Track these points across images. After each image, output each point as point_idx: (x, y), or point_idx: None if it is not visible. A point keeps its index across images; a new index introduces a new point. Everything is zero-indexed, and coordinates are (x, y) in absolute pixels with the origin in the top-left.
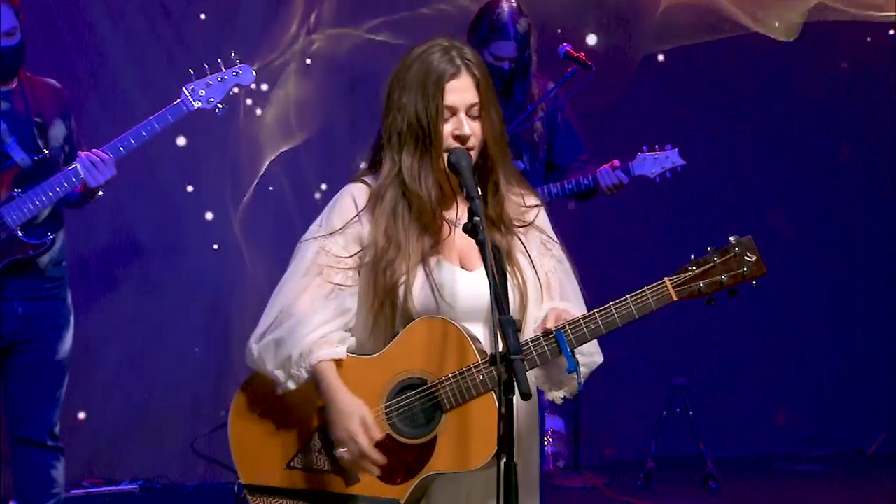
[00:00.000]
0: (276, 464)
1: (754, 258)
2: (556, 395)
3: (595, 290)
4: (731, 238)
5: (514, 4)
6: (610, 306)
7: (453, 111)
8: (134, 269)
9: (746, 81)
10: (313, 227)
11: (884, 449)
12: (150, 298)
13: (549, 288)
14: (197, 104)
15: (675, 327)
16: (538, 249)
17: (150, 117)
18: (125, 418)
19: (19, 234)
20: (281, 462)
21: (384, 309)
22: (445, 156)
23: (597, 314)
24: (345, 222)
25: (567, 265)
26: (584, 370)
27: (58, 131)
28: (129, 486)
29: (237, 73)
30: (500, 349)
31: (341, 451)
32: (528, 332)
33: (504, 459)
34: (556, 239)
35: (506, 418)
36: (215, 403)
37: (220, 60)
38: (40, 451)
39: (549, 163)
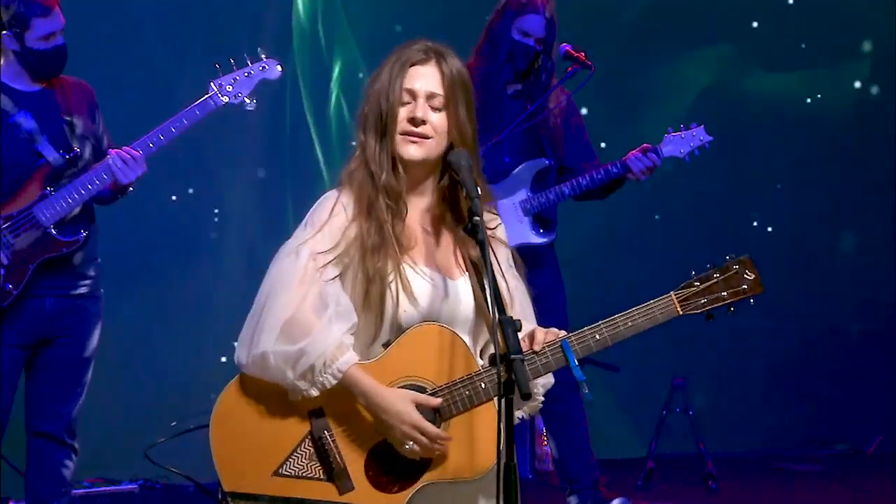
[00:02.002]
0: (262, 471)
1: (753, 276)
2: (515, 416)
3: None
4: (728, 256)
5: None
6: (616, 319)
7: (413, 95)
8: (141, 266)
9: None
10: (298, 232)
11: (884, 449)
12: (151, 297)
13: (512, 305)
14: (224, 99)
15: (674, 327)
16: (505, 264)
17: (179, 113)
18: (126, 417)
19: (52, 231)
20: (268, 469)
21: (369, 302)
22: (398, 139)
23: (603, 326)
24: (326, 218)
25: (524, 286)
26: (542, 391)
27: (88, 130)
28: (129, 486)
29: (263, 67)
30: (500, 349)
31: (407, 447)
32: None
33: (504, 460)
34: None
35: (506, 419)
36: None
37: (246, 55)
38: (56, 447)
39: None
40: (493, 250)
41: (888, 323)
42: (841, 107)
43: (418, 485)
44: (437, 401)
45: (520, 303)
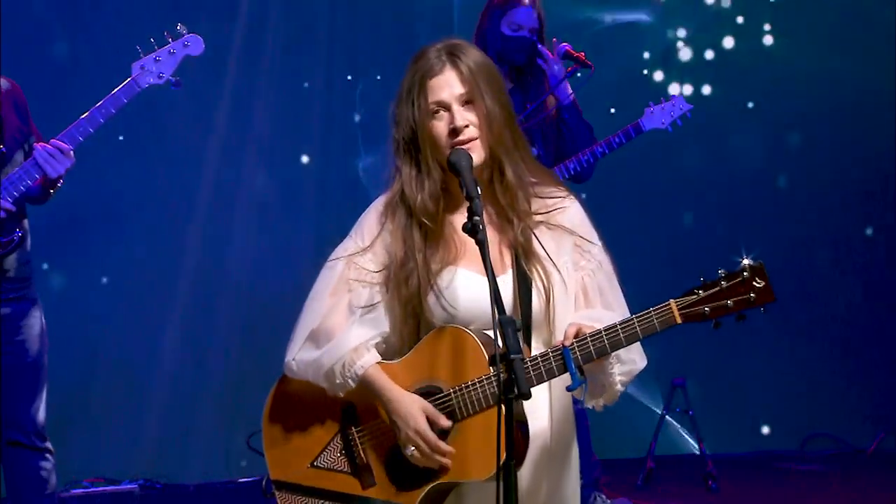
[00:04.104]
0: (301, 462)
1: (762, 284)
2: (597, 403)
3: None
4: (745, 261)
5: None
6: (616, 326)
7: (445, 107)
8: (144, 268)
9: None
10: (345, 241)
11: (884, 448)
12: (150, 297)
13: (587, 293)
14: (149, 80)
15: (675, 327)
16: (570, 253)
17: (104, 100)
18: (126, 417)
19: None
20: (306, 461)
21: (407, 321)
22: (447, 155)
23: (604, 334)
24: (372, 236)
25: (608, 267)
26: (623, 378)
27: (16, 130)
28: (129, 486)
29: (186, 43)
30: (500, 349)
31: (410, 451)
32: (559, 338)
33: (504, 460)
34: (593, 239)
35: (506, 419)
36: (217, 403)
37: (166, 33)
38: (29, 453)
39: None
40: (538, 238)
41: (888, 321)
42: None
43: (429, 485)
44: (446, 422)
45: (598, 289)
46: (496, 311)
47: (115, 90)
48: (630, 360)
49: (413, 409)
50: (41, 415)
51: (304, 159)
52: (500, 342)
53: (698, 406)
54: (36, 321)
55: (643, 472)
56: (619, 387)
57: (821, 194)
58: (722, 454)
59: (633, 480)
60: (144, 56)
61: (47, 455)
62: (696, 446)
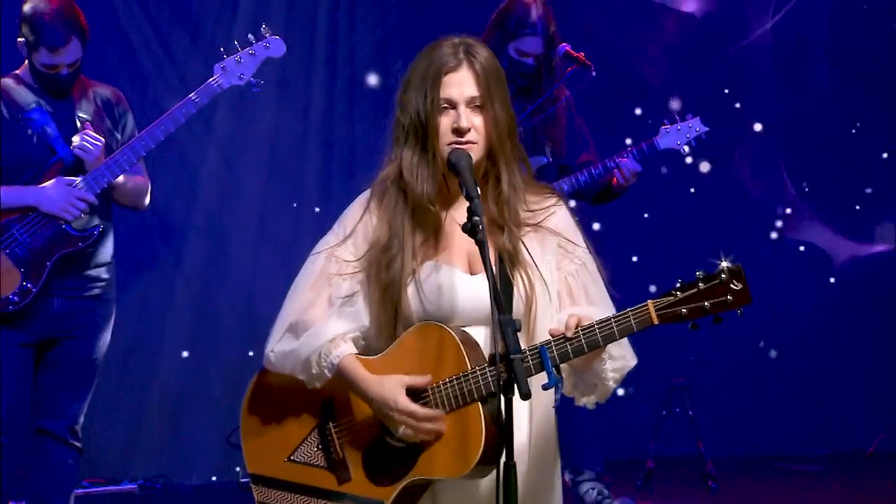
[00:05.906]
0: (278, 456)
1: (740, 287)
2: (589, 401)
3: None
4: (724, 264)
5: (541, 1)
6: (594, 326)
7: (452, 104)
8: (140, 266)
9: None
10: (327, 235)
11: (884, 448)
12: (150, 295)
13: (571, 293)
14: (230, 82)
15: (674, 327)
16: (554, 254)
17: (186, 99)
18: (126, 418)
19: (66, 226)
20: (283, 455)
21: (385, 308)
22: (446, 151)
23: (581, 333)
24: (354, 223)
25: (592, 267)
26: (615, 375)
27: (103, 129)
28: (129, 486)
29: (267, 45)
30: (500, 349)
31: (402, 432)
32: (541, 339)
33: (504, 460)
34: (578, 241)
35: (505, 419)
36: (216, 404)
37: (250, 35)
38: (59, 446)
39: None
40: (526, 247)
41: (889, 321)
42: None
43: (404, 481)
44: (426, 379)
45: (583, 287)
46: (496, 311)
47: (198, 89)
48: (621, 357)
49: (388, 391)
50: (81, 413)
51: (305, 165)
52: (499, 341)
53: (698, 406)
54: (103, 321)
55: (643, 472)
56: (611, 383)
57: (821, 196)
58: (722, 454)
59: (633, 480)
60: (227, 57)
61: (76, 453)
62: (697, 447)
